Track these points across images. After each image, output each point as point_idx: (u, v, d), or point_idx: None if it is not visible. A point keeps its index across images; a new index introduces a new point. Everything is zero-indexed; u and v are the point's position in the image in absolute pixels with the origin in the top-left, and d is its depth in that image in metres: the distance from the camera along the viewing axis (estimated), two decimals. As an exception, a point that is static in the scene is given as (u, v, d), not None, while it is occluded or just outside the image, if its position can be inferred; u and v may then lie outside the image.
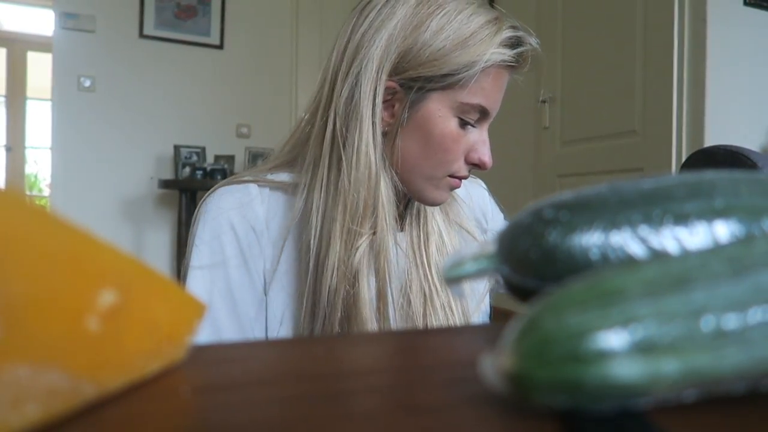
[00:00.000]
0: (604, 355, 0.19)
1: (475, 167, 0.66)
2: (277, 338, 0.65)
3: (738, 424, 0.21)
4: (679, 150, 2.06)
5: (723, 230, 0.26)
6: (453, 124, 0.63)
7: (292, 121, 3.70)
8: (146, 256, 3.42)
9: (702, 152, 0.67)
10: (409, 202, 0.72)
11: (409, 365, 0.29)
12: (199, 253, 0.63)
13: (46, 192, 5.30)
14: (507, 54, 0.61)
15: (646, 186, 0.28)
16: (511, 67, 0.63)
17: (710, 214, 0.26)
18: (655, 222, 0.26)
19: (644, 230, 0.26)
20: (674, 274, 0.21)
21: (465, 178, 0.67)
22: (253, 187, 0.66)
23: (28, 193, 5.59)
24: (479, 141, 0.65)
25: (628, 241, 0.25)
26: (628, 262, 0.25)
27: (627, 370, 0.19)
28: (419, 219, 0.71)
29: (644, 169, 2.17)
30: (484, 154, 0.65)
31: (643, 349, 0.19)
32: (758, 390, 0.21)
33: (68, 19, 3.32)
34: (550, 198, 0.28)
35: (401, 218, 0.71)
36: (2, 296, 0.17)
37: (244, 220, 0.65)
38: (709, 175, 0.28)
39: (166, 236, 3.61)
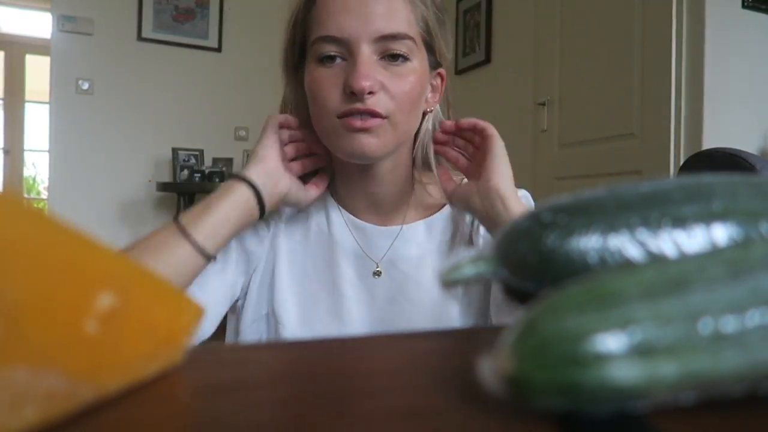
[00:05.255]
0: (603, 358, 0.19)
1: (353, 96, 0.61)
2: (277, 340, 0.65)
3: (736, 426, 0.21)
4: (678, 153, 2.06)
5: (721, 233, 0.26)
6: (313, 67, 0.65)
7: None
8: (144, 259, 3.41)
9: (700, 155, 0.67)
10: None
11: (407, 367, 0.29)
12: None
13: (44, 195, 5.29)
14: None
15: (645, 189, 0.28)
16: None
17: (708, 217, 0.26)
18: (653, 225, 0.26)
19: (642, 233, 0.26)
20: (672, 276, 0.21)
21: (360, 112, 0.61)
22: None
23: (26, 196, 5.58)
24: (350, 70, 0.61)
25: (626, 244, 0.25)
26: (626, 265, 0.25)
27: (625, 373, 0.19)
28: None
29: (642, 171, 2.17)
30: (352, 78, 0.60)
31: (641, 351, 0.19)
32: (756, 392, 0.21)
33: (66, 21, 3.32)
34: (548, 201, 0.28)
35: None
36: (1, 299, 0.17)
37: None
38: (708, 178, 0.29)
39: (165, 239, 3.60)
